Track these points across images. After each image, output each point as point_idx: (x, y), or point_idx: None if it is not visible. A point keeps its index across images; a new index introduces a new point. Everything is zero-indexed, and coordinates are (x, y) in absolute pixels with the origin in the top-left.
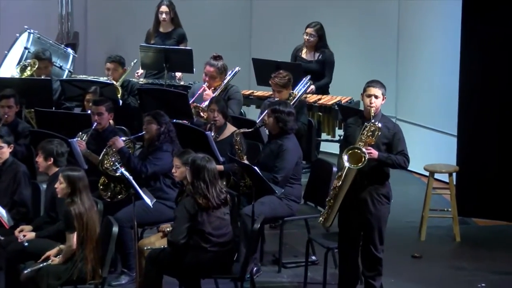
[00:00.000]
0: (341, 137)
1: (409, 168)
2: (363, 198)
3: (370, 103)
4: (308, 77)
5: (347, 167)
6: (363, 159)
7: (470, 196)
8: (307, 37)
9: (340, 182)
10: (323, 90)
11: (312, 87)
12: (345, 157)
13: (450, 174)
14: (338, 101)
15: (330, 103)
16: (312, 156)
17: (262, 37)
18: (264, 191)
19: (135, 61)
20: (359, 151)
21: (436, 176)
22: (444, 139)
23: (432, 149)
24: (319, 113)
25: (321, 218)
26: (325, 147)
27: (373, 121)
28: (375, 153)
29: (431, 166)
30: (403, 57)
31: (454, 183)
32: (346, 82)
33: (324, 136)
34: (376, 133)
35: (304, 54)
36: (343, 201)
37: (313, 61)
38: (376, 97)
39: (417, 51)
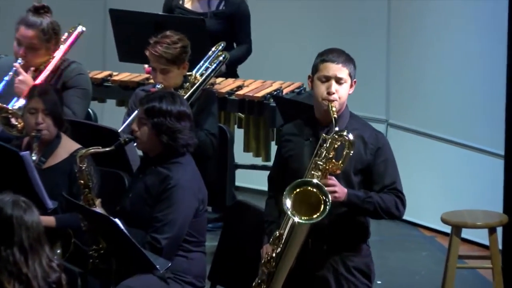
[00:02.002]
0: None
1: (414, 220)
2: (322, 277)
3: (329, 94)
4: (222, 44)
5: (291, 222)
6: (322, 204)
7: None
8: None
9: (279, 250)
10: (232, 68)
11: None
12: (287, 202)
13: (492, 230)
14: (276, 90)
15: (260, 94)
16: (227, 197)
17: None
18: (136, 265)
19: None
20: (314, 189)
21: (465, 234)
22: (480, 163)
23: (456, 181)
24: (240, 114)
25: None
26: (251, 179)
27: (337, 129)
28: (341, 192)
29: (456, 215)
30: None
31: (500, 246)
32: (300, 59)
33: (248, 157)
34: (346, 152)
35: (188, 2)
36: (286, 282)
37: (207, 14)
38: (339, 81)
39: (421, 20)
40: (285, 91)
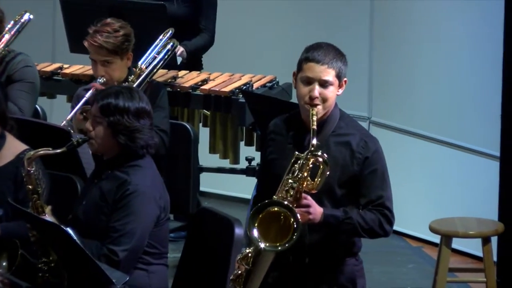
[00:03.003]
0: (258, 164)
1: (399, 229)
2: None
3: (311, 99)
4: (170, 31)
5: (258, 248)
6: (292, 229)
7: None
8: None
9: (247, 270)
10: (196, 58)
11: (181, 50)
12: (253, 232)
13: (487, 240)
14: (245, 84)
15: (227, 89)
16: (191, 204)
17: None
18: (90, 279)
19: None
20: (284, 210)
21: (457, 244)
22: (473, 165)
23: (447, 185)
24: (205, 111)
25: None
26: (217, 183)
27: (314, 142)
28: (316, 213)
29: (446, 223)
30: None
31: (495, 258)
32: (272, 51)
33: (215, 159)
34: (321, 171)
35: None
36: None
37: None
38: (323, 84)
39: (407, 15)
40: (255, 86)
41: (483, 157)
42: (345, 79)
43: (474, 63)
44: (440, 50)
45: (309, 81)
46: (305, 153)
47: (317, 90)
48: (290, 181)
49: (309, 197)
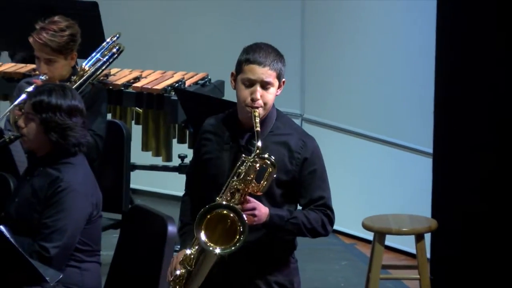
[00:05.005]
0: (189, 163)
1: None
2: None
3: (253, 101)
4: (117, 35)
5: (204, 250)
6: (239, 231)
7: (461, 279)
8: None
9: (190, 270)
10: None
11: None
12: (201, 236)
13: (420, 237)
14: (177, 81)
15: (160, 86)
16: (124, 202)
17: None
18: (23, 277)
19: None
20: (231, 213)
21: (390, 241)
22: (406, 162)
23: (380, 182)
24: (138, 108)
25: None
26: (150, 181)
27: (259, 144)
28: (262, 214)
29: (379, 220)
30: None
31: (428, 255)
32: (204, 48)
33: (147, 157)
34: (269, 173)
35: None
36: None
37: None
38: (265, 86)
39: (338, 13)
40: (187, 83)
41: (415, 154)
42: (283, 79)
43: (406, 60)
44: (372, 47)
45: (250, 83)
46: (252, 155)
47: (258, 92)
48: (235, 183)
49: (253, 199)
